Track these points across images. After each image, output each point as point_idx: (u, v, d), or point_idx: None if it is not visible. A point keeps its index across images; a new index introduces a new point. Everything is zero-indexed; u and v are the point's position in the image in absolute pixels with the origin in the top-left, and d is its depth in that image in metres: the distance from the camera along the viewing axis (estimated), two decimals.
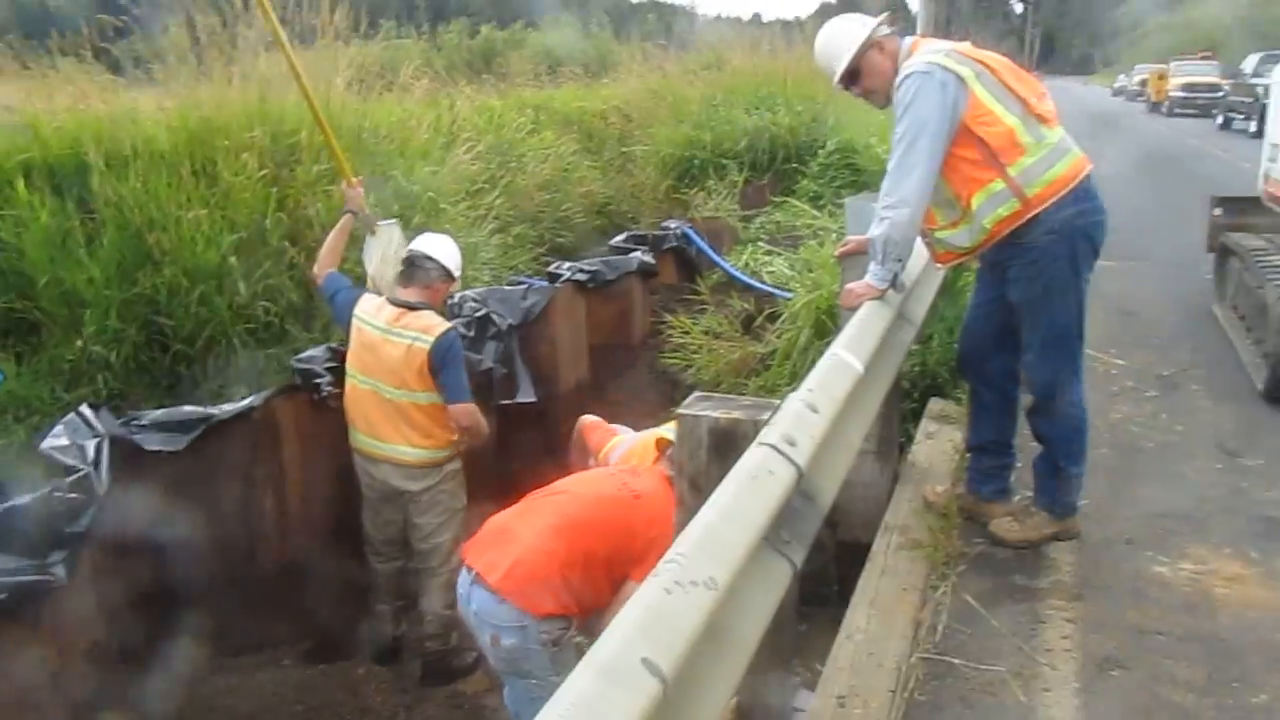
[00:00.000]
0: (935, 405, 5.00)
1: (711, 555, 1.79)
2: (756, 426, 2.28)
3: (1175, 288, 7.75)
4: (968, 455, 4.04)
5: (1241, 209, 7.21)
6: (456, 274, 4.64)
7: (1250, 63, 25.18)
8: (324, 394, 4.67)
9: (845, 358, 2.80)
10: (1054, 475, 3.69)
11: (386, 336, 4.38)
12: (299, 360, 4.79)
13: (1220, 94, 27.29)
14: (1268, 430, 4.88)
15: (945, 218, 3.50)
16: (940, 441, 4.60)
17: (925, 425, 4.79)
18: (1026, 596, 3.42)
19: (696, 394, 2.47)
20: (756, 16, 38.64)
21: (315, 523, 4.78)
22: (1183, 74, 32.64)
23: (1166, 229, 9.77)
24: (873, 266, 3.50)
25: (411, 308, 4.42)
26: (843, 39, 3.52)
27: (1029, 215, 3.34)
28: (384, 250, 4.76)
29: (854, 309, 3.51)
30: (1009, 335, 3.67)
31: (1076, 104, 38.51)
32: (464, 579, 3.29)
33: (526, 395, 5.76)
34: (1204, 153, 18.31)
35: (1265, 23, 39.52)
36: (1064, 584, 3.49)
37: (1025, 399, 3.75)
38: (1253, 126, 20.02)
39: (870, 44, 3.49)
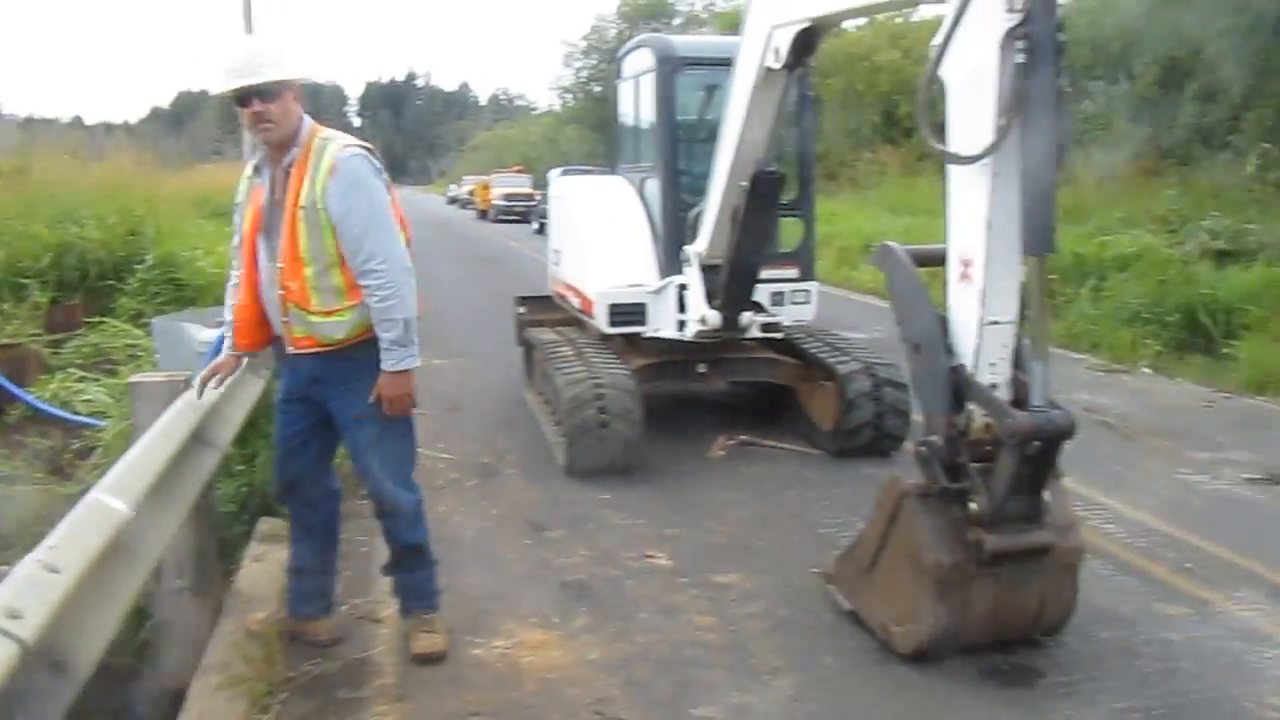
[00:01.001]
0: (265, 525, 4.83)
1: None
2: None
3: (496, 380, 8.48)
4: (288, 578, 3.96)
5: (539, 306, 8.19)
6: None
7: (554, 175, 29.15)
8: None
9: (106, 501, 2.55)
10: (432, 576, 3.85)
11: None
12: None
13: (534, 203, 31.07)
14: (567, 503, 5.50)
15: (324, 304, 3.41)
16: (269, 564, 4.44)
17: (253, 548, 4.59)
18: (352, 709, 3.41)
19: None
20: (78, 119, 35.48)
21: None
22: (502, 185, 36.75)
23: (490, 325, 10.75)
24: (399, 352, 3.37)
25: None
26: (289, 55, 3.31)
27: None
28: None
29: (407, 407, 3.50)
30: (330, 455, 3.76)
31: (419, 210, 41.33)
32: None
33: None
34: (522, 254, 20.59)
35: (564, 142, 46.29)
36: (388, 687, 3.56)
37: (378, 512, 3.74)
38: None
39: (299, 83, 3.36)
